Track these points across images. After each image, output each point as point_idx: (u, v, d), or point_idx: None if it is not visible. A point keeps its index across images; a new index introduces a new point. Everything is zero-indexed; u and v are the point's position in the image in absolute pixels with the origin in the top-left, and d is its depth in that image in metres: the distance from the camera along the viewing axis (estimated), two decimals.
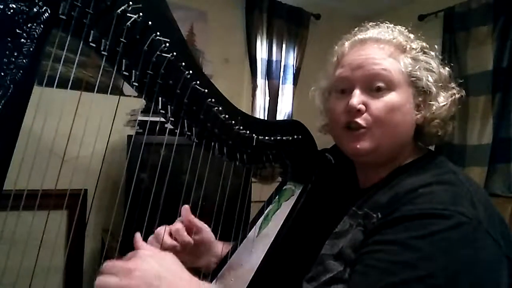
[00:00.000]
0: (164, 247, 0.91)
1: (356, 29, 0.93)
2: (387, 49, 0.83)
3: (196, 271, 0.91)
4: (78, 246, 2.27)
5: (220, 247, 1.05)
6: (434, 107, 0.81)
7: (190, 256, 1.00)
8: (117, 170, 2.06)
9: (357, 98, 0.82)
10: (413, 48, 0.84)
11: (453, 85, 0.86)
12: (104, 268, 0.66)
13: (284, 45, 3.05)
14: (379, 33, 0.87)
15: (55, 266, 1.99)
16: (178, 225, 0.97)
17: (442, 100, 0.82)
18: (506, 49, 2.40)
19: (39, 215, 0.77)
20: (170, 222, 0.97)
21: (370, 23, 0.92)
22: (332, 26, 3.12)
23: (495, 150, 2.41)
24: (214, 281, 0.97)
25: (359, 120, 0.82)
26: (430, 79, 0.82)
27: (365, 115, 0.82)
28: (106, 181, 2.03)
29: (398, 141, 0.83)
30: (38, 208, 0.74)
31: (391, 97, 0.81)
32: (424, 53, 0.85)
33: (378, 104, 0.81)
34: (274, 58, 3.02)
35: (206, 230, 1.04)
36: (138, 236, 0.77)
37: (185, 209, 0.99)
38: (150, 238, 0.94)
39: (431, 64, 0.83)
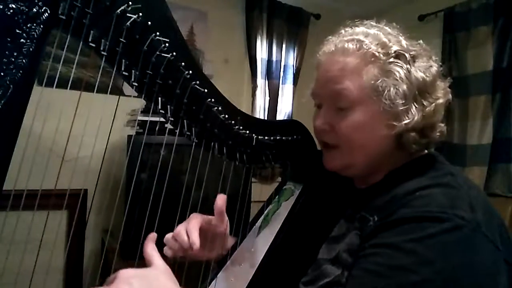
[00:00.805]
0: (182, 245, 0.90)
1: (329, 37, 0.90)
2: (351, 63, 0.79)
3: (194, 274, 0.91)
4: (78, 246, 2.27)
5: (229, 241, 1.06)
6: (405, 119, 0.76)
7: (205, 250, 0.98)
8: (117, 170, 2.06)
9: (320, 118, 0.83)
10: (382, 57, 0.78)
11: (441, 85, 0.81)
12: None
13: (284, 45, 3.05)
14: (346, 43, 0.82)
15: (55, 266, 1.99)
16: (192, 223, 0.93)
17: (413, 113, 0.76)
18: (506, 49, 2.39)
19: (39, 215, 0.77)
20: (170, 222, 0.97)
21: (346, 28, 0.89)
22: (332, 26, 3.08)
23: (495, 150, 2.40)
24: (214, 280, 0.98)
25: (326, 140, 0.84)
26: (393, 91, 0.76)
27: (331, 134, 0.83)
28: (106, 181, 2.03)
29: (373, 155, 0.81)
30: (38, 208, 0.74)
31: (354, 117, 0.79)
32: (398, 57, 0.78)
33: (342, 124, 0.80)
34: (274, 58, 3.02)
35: (227, 222, 1.01)
36: (152, 237, 0.76)
37: (222, 198, 0.92)
38: (169, 236, 0.92)
39: (399, 73, 0.77)
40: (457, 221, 0.64)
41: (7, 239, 0.78)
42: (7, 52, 0.62)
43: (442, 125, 0.82)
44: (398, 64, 0.77)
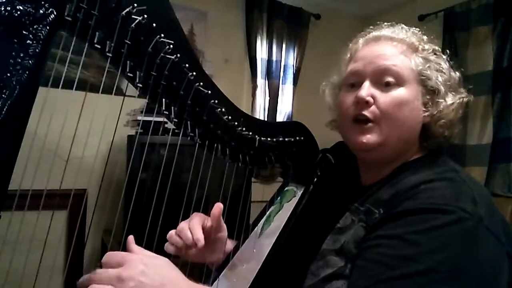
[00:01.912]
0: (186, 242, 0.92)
1: (371, 27, 0.94)
2: (399, 47, 0.85)
3: (197, 274, 0.91)
4: (78, 246, 2.27)
5: (229, 245, 1.07)
6: (441, 106, 0.82)
7: (206, 252, 1.00)
8: (119, 170, 2.06)
9: (365, 90, 0.82)
10: (425, 49, 0.85)
11: (462, 89, 0.88)
12: (95, 277, 0.64)
13: (284, 45, 3.05)
14: (393, 32, 0.88)
15: (55, 266, 1.99)
16: (194, 221, 0.96)
17: (450, 100, 0.83)
18: (506, 49, 2.40)
19: (40, 215, 0.77)
20: (171, 222, 0.97)
21: (385, 23, 0.93)
22: (332, 26, 3.12)
23: (495, 150, 2.41)
24: (217, 281, 0.98)
25: (366, 113, 0.82)
26: (440, 78, 0.83)
27: (372, 108, 0.82)
28: (108, 181, 2.04)
29: (404, 138, 0.83)
30: (41, 209, 0.74)
31: (400, 92, 0.82)
32: (436, 54, 0.86)
33: (386, 98, 0.82)
34: (274, 58, 3.02)
35: (225, 228, 1.04)
36: (131, 239, 0.74)
37: (219, 207, 0.95)
38: (172, 232, 0.94)
39: (441, 65, 0.85)
40: (461, 213, 0.65)
41: (11, 239, 0.78)
42: (13, 53, 0.62)
43: (459, 124, 0.88)
44: (439, 58, 0.86)
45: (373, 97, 0.82)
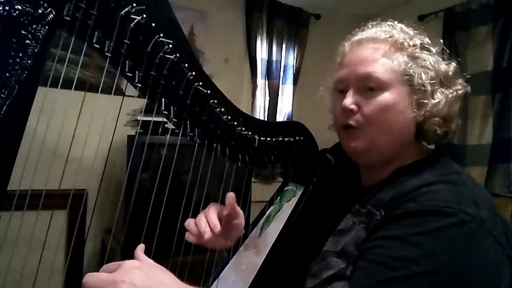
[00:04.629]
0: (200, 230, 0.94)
1: (357, 29, 0.94)
2: (381, 49, 0.84)
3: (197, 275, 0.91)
4: (78, 246, 2.26)
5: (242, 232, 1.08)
6: (430, 105, 0.81)
7: (221, 238, 1.00)
8: (119, 170, 2.06)
9: (349, 99, 0.83)
10: (410, 45, 0.84)
11: (459, 81, 0.86)
12: (88, 281, 0.63)
13: (284, 45, 3.06)
14: (375, 33, 0.87)
15: (55, 266, 1.99)
16: (211, 210, 0.98)
17: (439, 97, 0.81)
18: (506, 49, 2.40)
19: (39, 216, 0.77)
20: (171, 222, 0.97)
21: (372, 23, 0.92)
22: (332, 26, 3.12)
23: (495, 150, 2.41)
24: (216, 281, 0.98)
25: (351, 122, 0.83)
26: (424, 76, 0.81)
27: (357, 115, 0.83)
28: (108, 181, 2.03)
29: (396, 140, 0.83)
30: (40, 209, 0.74)
31: (384, 97, 0.81)
32: (423, 49, 0.84)
33: (370, 105, 0.82)
34: (274, 58, 3.02)
35: (242, 215, 1.05)
36: (141, 247, 0.75)
37: (232, 197, 0.96)
38: (190, 221, 0.97)
39: (427, 61, 0.83)
40: (463, 216, 0.65)
41: (10, 239, 0.78)
42: (12, 53, 0.62)
43: (457, 119, 0.86)
44: (426, 54, 0.84)
45: (357, 104, 0.83)
